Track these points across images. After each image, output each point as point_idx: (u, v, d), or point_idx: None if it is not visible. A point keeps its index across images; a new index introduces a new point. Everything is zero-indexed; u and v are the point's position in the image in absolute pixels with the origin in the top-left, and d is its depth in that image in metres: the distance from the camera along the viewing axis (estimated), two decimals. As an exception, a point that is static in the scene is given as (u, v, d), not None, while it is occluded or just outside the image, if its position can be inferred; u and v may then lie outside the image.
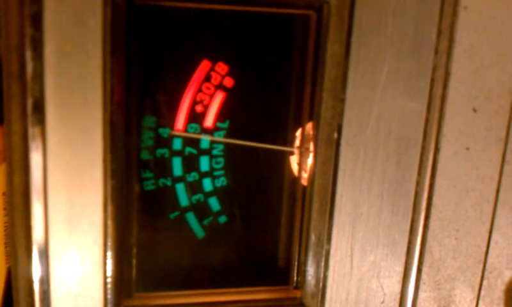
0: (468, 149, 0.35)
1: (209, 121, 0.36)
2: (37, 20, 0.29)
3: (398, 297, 0.37)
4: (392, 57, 0.33)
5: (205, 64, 0.35)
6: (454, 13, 0.33)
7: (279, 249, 0.39)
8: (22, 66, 0.30)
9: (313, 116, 0.36)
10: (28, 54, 0.29)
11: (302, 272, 0.38)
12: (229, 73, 0.35)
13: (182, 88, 0.35)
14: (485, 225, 0.37)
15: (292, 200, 0.38)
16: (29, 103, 0.30)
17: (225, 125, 0.36)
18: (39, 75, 0.30)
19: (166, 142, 0.35)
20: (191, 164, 0.36)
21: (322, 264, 0.36)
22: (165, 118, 0.35)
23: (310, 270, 0.38)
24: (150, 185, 0.36)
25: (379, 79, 0.34)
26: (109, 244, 0.33)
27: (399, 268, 0.37)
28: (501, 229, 0.37)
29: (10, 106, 0.30)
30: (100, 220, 0.32)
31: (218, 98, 0.35)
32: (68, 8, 0.29)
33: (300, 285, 0.39)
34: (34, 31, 0.29)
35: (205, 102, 0.35)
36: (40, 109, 0.30)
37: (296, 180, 0.38)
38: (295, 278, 0.39)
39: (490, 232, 0.37)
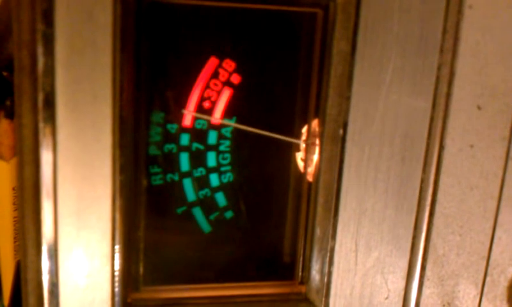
0: (472, 146, 0.36)
1: (216, 117, 0.36)
2: (48, 17, 0.29)
3: (402, 292, 0.38)
4: (398, 55, 0.34)
5: (212, 61, 0.35)
6: (459, 12, 0.34)
7: (284, 244, 0.39)
8: (33, 61, 0.30)
9: (319, 112, 0.36)
10: (39, 50, 0.30)
11: (307, 268, 0.39)
12: (236, 70, 0.35)
13: (190, 84, 0.35)
14: (489, 222, 0.37)
15: (298, 196, 0.39)
16: (40, 97, 0.30)
17: (232, 121, 0.36)
18: (50, 71, 0.30)
19: (174, 137, 0.36)
20: (198, 159, 0.36)
21: (327, 259, 0.37)
22: (173, 113, 0.35)
23: (315, 265, 0.38)
24: (157, 180, 0.36)
25: (385, 77, 0.34)
26: (117, 237, 0.34)
27: (403, 264, 0.37)
28: (504, 225, 0.37)
29: (21, 101, 0.31)
30: (109, 214, 0.33)
31: (225, 95, 0.36)
32: (79, 5, 0.30)
33: (305, 280, 0.39)
34: (46, 27, 0.29)
35: (212, 98, 0.36)
36: (50, 104, 0.31)
37: (301, 176, 0.38)
38: (300, 273, 0.39)
39: (494, 229, 0.37)
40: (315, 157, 0.37)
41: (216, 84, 0.35)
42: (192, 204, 0.37)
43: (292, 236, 0.39)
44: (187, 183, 0.37)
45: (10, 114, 0.39)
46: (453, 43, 0.34)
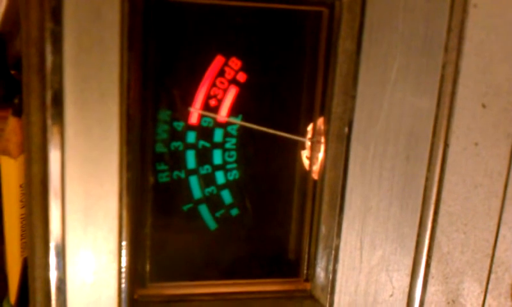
0: (476, 144, 0.36)
1: (223, 115, 0.36)
2: (57, 15, 0.30)
3: (407, 290, 0.38)
4: (403, 53, 0.34)
5: (218, 60, 0.35)
6: (464, 11, 0.34)
7: (289, 241, 0.40)
8: (42, 59, 0.30)
9: (324, 111, 0.37)
10: (48, 48, 0.30)
11: (312, 265, 0.39)
12: (242, 69, 0.36)
13: (197, 82, 0.35)
14: (493, 220, 0.37)
15: (303, 194, 0.39)
16: (48, 95, 0.31)
17: (238, 119, 0.36)
18: (58, 68, 0.30)
19: (180, 135, 0.36)
20: (204, 157, 0.37)
21: (332, 257, 0.37)
22: (180, 111, 0.36)
23: (320, 263, 0.38)
24: (164, 177, 0.36)
25: (390, 76, 0.34)
26: (124, 234, 0.34)
27: (408, 262, 0.37)
28: (509, 223, 0.37)
29: (29, 99, 0.31)
30: (116, 211, 0.33)
31: (231, 93, 0.36)
32: (87, 3, 0.30)
33: (310, 278, 0.39)
34: (54, 25, 0.30)
35: (218, 97, 0.36)
36: (58, 102, 0.31)
37: (306, 173, 0.38)
38: (305, 271, 0.39)
39: (498, 226, 0.37)
40: (321, 155, 0.37)
41: (222, 82, 0.36)
42: (199, 202, 0.37)
43: (297, 233, 0.39)
44: (193, 181, 0.37)
45: (18, 112, 0.40)
46: (458, 42, 0.34)
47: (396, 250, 0.37)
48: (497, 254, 0.38)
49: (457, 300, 0.38)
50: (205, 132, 0.36)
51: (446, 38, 0.34)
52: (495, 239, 0.38)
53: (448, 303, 0.38)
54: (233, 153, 0.37)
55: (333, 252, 0.37)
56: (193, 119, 0.36)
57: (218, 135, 0.36)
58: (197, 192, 0.37)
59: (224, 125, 0.36)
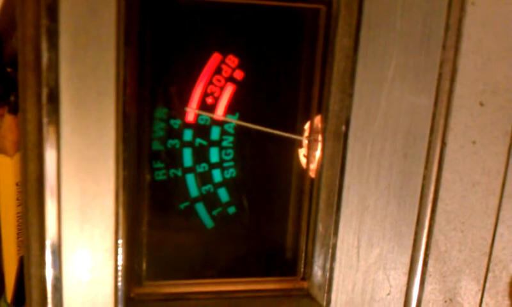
0: (474, 143, 0.36)
1: (219, 113, 0.36)
2: (53, 12, 0.29)
3: (404, 288, 0.38)
4: (400, 51, 0.34)
5: (216, 57, 0.35)
6: (462, 9, 0.34)
7: (286, 240, 0.40)
8: (38, 56, 0.30)
9: (321, 109, 0.36)
10: (44, 45, 0.30)
11: (309, 264, 0.39)
12: (239, 66, 0.36)
13: (193, 80, 0.35)
14: (490, 218, 0.37)
15: (300, 192, 0.39)
16: (44, 93, 0.30)
17: (235, 117, 0.36)
18: (54, 66, 0.30)
19: (177, 133, 0.36)
20: (201, 155, 0.37)
21: (329, 255, 0.37)
22: (176, 109, 0.36)
23: (317, 261, 0.38)
24: (160, 175, 0.36)
25: (387, 73, 0.34)
26: (120, 232, 0.34)
27: (405, 260, 0.37)
28: (506, 222, 0.37)
29: (25, 96, 0.31)
30: (112, 209, 0.33)
31: (228, 91, 0.36)
32: (83, 0, 0.30)
33: (307, 276, 0.39)
34: (50, 22, 0.30)
35: (215, 94, 0.36)
36: (54, 99, 0.31)
37: (303, 172, 0.38)
38: (302, 269, 0.39)
39: (495, 225, 0.37)
40: (318, 154, 0.37)
41: (219, 80, 0.36)
42: (195, 200, 0.37)
43: (295, 232, 0.39)
44: (190, 179, 0.37)
45: (14, 109, 0.39)
46: (455, 40, 0.34)
47: (393, 248, 0.37)
48: (495, 252, 0.38)
49: (455, 299, 0.38)
50: (201, 130, 0.36)
51: (444, 35, 0.34)
52: (493, 237, 0.38)
53: (446, 302, 0.38)
54: (230, 151, 0.37)
55: (330, 250, 0.37)
56: (190, 117, 0.36)
57: (215, 133, 0.36)
58: (194, 191, 0.37)
59: (221, 123, 0.36)
